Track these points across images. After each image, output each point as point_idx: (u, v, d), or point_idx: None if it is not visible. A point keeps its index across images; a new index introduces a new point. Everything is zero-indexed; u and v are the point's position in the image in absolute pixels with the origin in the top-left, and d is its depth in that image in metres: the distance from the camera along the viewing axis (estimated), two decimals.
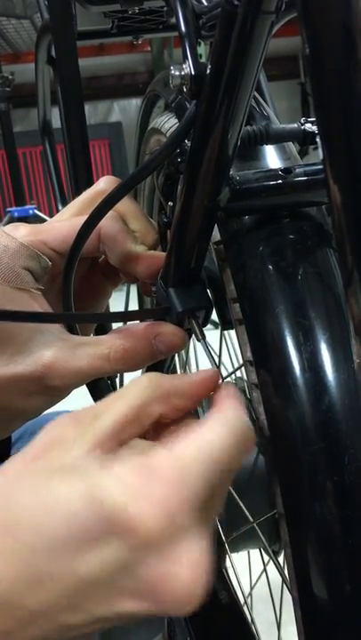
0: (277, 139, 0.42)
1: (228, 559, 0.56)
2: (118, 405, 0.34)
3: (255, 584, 0.77)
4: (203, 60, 0.36)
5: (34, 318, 0.43)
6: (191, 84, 0.36)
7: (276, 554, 0.49)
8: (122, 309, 0.80)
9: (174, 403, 0.36)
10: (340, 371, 0.35)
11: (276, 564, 0.46)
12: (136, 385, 0.35)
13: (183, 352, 0.89)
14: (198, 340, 0.44)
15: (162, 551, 0.30)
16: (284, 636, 0.71)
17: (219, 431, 0.32)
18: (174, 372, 0.85)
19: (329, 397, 0.34)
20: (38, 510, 0.30)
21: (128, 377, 0.75)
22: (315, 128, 0.41)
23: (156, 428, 0.36)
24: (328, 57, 0.22)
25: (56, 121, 0.78)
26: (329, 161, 0.23)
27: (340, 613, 0.33)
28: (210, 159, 0.37)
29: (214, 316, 0.47)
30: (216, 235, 0.43)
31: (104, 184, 0.51)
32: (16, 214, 3.44)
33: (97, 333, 0.55)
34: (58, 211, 0.74)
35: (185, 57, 0.37)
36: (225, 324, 0.45)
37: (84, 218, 0.42)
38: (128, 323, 0.50)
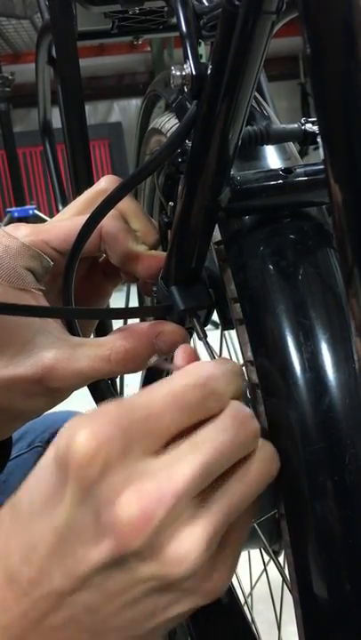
0: (278, 139, 0.42)
1: None
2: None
3: (255, 584, 0.77)
4: (203, 60, 0.36)
5: (33, 312, 0.43)
6: (192, 84, 0.36)
7: (276, 554, 0.49)
8: None
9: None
10: (340, 371, 0.35)
11: (277, 564, 0.46)
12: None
13: None
14: (200, 339, 0.44)
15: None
16: (284, 636, 0.71)
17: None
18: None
19: (330, 397, 0.34)
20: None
21: (128, 377, 0.75)
22: (315, 128, 0.41)
23: None
24: (329, 57, 0.22)
25: (56, 121, 0.78)
26: (330, 161, 0.23)
27: (341, 613, 0.33)
28: (210, 159, 0.37)
29: (214, 317, 0.47)
30: (217, 235, 0.43)
31: (105, 183, 0.51)
32: (16, 214, 3.44)
33: (97, 335, 0.55)
34: (58, 211, 0.74)
35: (186, 57, 0.37)
36: (225, 323, 0.45)
37: (86, 217, 0.42)
38: (129, 321, 0.50)
